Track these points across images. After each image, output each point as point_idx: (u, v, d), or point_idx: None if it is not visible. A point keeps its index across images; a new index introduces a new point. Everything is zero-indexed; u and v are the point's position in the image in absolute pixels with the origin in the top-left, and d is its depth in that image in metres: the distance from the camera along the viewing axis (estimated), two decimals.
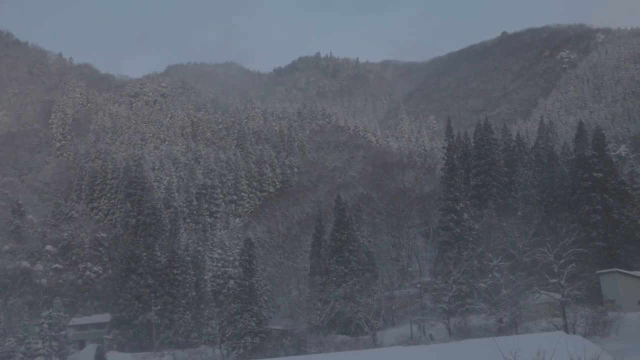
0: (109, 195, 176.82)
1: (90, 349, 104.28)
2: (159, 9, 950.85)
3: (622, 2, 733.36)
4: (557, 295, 72.73)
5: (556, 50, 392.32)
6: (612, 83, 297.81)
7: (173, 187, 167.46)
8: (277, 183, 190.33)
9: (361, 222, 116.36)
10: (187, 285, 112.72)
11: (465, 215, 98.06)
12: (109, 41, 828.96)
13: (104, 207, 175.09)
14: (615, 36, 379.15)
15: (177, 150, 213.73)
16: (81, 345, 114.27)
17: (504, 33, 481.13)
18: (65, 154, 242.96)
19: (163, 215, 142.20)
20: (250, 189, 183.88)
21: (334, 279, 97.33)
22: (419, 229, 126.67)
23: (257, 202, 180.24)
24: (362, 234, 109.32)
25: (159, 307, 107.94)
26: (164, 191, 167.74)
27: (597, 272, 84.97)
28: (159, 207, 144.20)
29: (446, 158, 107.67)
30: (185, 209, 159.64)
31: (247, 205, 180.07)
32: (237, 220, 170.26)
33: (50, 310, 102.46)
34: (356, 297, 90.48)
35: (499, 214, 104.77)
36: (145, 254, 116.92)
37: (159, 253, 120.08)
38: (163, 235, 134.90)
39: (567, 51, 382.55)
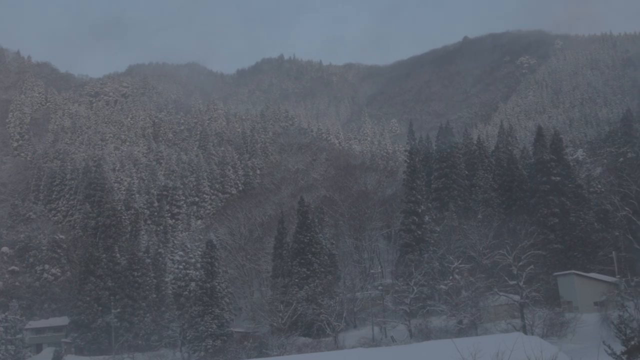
0: (67, 196, 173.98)
1: (48, 353, 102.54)
2: (119, 7, 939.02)
3: (579, 10, 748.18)
4: (516, 297, 73.86)
5: (516, 55, 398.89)
6: (570, 88, 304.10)
7: (134, 189, 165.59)
8: (240, 185, 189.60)
9: (324, 225, 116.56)
10: (148, 287, 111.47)
11: (427, 218, 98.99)
12: (67, 39, 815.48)
13: (63, 208, 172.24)
14: (573, 43, 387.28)
15: (138, 151, 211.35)
16: (38, 349, 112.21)
17: (465, 38, 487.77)
18: (22, 154, 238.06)
19: (123, 217, 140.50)
20: (212, 191, 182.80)
21: (296, 281, 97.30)
22: (381, 232, 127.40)
23: (219, 204, 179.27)
24: (324, 236, 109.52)
25: (118, 310, 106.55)
26: (124, 192, 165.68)
27: (555, 274, 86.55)
28: (119, 208, 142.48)
29: (408, 161, 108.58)
30: (146, 210, 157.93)
31: (209, 207, 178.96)
32: (199, 222, 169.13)
33: (7, 314, 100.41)
34: (318, 299, 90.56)
35: (459, 216, 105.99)
36: (104, 256, 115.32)
37: (118, 255, 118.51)
38: (123, 237, 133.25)
39: (527, 57, 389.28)
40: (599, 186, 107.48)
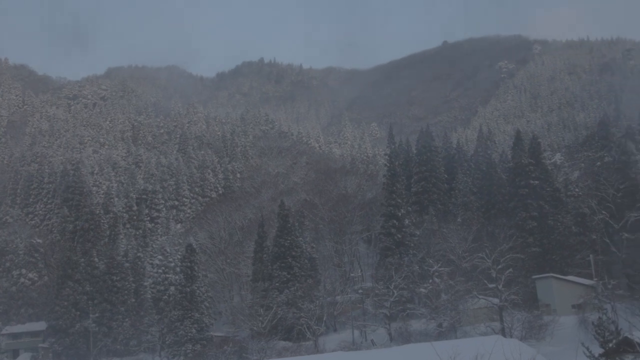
0: (45, 200, 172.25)
1: (25, 358, 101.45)
2: (98, 9, 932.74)
3: (557, 16, 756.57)
4: (495, 300, 74.30)
5: (495, 60, 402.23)
6: (548, 93, 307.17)
7: (112, 192, 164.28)
8: (220, 188, 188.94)
9: (304, 228, 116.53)
10: (126, 292, 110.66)
11: (407, 222, 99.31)
12: (45, 41, 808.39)
13: (40, 212, 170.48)
14: (551, 48, 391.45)
15: (117, 155, 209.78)
16: (15, 354, 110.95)
17: (444, 42, 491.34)
18: None
19: (102, 221, 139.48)
20: (192, 195, 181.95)
21: (277, 284, 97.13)
22: (361, 235, 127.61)
23: (199, 208, 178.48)
24: (304, 240, 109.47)
25: (96, 315, 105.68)
26: (103, 196, 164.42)
27: (533, 277, 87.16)
28: (97, 212, 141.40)
29: (388, 165, 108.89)
30: (125, 214, 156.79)
31: (188, 210, 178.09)
32: (179, 226, 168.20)
33: None
34: (298, 303, 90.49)
35: (439, 220, 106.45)
36: (82, 260, 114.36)
37: (97, 259, 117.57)
38: (102, 241, 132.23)
39: (506, 61, 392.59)
40: (577, 190, 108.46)
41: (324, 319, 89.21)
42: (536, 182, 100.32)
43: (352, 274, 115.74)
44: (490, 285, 75.00)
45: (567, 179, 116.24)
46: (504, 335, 66.70)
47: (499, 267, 74.88)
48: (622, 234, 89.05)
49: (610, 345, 56.35)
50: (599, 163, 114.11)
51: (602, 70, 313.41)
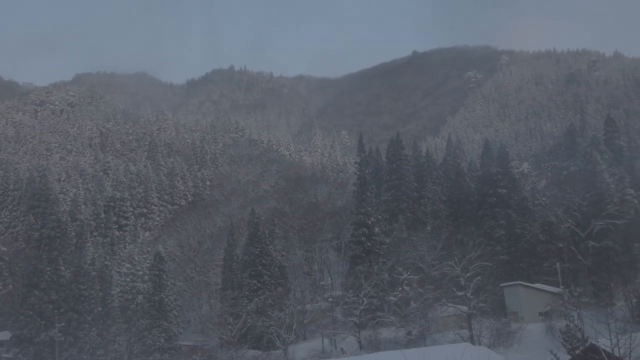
0: (10, 207, 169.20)
1: None
2: (66, 14, 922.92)
3: (524, 27, 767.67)
4: (464, 308, 74.83)
5: (464, 70, 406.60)
6: (516, 103, 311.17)
7: (80, 200, 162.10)
8: (189, 196, 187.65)
9: (274, 236, 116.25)
10: (93, 300, 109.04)
11: (377, 230, 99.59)
12: (11, 46, 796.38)
13: (5, 219, 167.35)
14: (518, 58, 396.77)
15: (85, 162, 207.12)
16: None
17: (414, 52, 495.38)
18: None
19: (69, 229, 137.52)
20: (161, 202, 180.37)
21: (246, 293, 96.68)
22: (331, 243, 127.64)
23: (168, 216, 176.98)
24: (275, 248, 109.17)
25: (62, 324, 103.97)
26: (69, 203, 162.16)
27: (501, 284, 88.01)
28: (64, 220, 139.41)
29: (358, 173, 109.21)
30: (92, 222, 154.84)
31: (157, 218, 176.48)
32: (147, 233, 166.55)
33: None
34: (268, 311, 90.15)
35: (408, 228, 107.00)
36: (48, 268, 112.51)
37: (63, 268, 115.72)
38: (68, 249, 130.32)
39: (474, 71, 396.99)
40: (544, 199, 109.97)
41: (294, 327, 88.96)
42: (504, 190, 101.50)
43: (322, 282, 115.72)
44: (459, 293, 75.55)
45: (534, 188, 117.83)
46: (473, 343, 67.22)
47: (468, 275, 75.50)
48: (587, 242, 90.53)
49: (577, 352, 57.08)
50: (565, 172, 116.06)
51: (568, 81, 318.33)
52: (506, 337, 69.68)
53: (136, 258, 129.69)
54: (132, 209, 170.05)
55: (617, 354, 52.24)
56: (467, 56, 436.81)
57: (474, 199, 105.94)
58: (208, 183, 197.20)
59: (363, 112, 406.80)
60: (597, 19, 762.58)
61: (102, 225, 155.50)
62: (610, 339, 55.91)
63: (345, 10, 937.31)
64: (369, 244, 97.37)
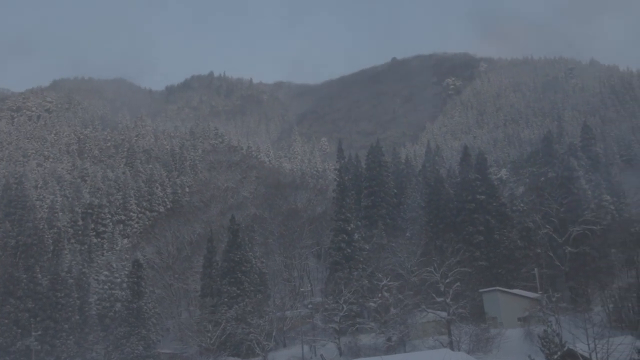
0: None
1: None
2: (43, 20, 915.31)
3: (502, 35, 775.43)
4: (443, 314, 75.08)
5: (442, 77, 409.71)
6: (494, 110, 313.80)
7: (57, 207, 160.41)
8: (168, 203, 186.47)
9: (254, 243, 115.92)
10: (71, 308, 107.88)
11: (356, 236, 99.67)
12: None
13: None
14: (497, 65, 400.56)
15: (62, 168, 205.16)
16: None
17: (393, 59, 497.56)
18: None
19: (45, 236, 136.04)
20: (139, 209, 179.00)
21: (226, 300, 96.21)
22: (310, 250, 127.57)
23: (147, 222, 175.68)
24: (254, 255, 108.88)
25: (39, 333, 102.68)
26: (47, 210, 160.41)
27: (480, 290, 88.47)
28: (41, 227, 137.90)
29: (338, 179, 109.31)
30: (69, 229, 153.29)
31: (136, 225, 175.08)
32: (125, 241, 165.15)
33: None
34: (248, 318, 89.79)
35: (388, 234, 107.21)
36: (25, 276, 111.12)
37: (40, 275, 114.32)
38: (45, 257, 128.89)
39: (453, 78, 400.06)
40: (522, 205, 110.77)
41: (274, 334, 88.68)
42: (483, 197, 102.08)
43: (301, 289, 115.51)
44: (439, 299, 75.80)
45: (513, 194, 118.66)
46: (452, 349, 67.47)
47: (447, 280, 75.77)
48: (565, 248, 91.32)
49: (555, 357, 57.48)
50: (543, 178, 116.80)
51: (545, 88, 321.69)
52: (485, 343, 70.00)
53: (114, 265, 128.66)
54: (110, 216, 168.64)
55: (595, 359, 52.69)
56: (446, 63, 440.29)
57: (453, 205, 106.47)
58: (187, 190, 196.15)
59: (343, 118, 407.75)
60: (573, 27, 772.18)
61: (80, 232, 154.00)
62: (588, 344, 56.36)
63: (324, 18, 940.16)
64: (349, 250, 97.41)
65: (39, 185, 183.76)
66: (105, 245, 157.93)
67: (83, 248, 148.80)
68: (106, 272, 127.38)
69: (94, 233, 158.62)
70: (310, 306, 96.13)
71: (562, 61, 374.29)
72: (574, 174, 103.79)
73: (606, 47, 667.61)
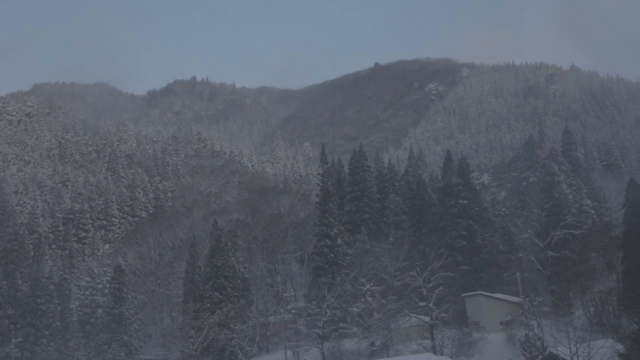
0: None
1: None
2: (23, 23, 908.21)
3: (484, 40, 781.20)
4: (426, 318, 75.31)
5: (425, 82, 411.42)
6: (476, 115, 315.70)
7: (38, 212, 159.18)
8: (150, 208, 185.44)
9: (237, 248, 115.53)
10: (51, 315, 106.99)
11: (339, 241, 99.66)
12: None
13: None
14: (478, 71, 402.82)
15: (43, 173, 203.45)
16: None
17: (376, 64, 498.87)
18: None
19: (26, 242, 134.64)
20: (121, 214, 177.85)
21: (208, 305, 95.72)
22: (293, 255, 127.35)
23: (129, 228, 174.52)
24: (237, 260, 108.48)
25: (19, 339, 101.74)
26: (27, 216, 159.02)
27: (463, 295, 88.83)
28: (21, 232, 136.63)
29: (321, 184, 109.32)
30: (50, 234, 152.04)
31: (117, 230, 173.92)
32: (107, 246, 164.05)
33: None
34: (231, 324, 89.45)
35: (371, 239, 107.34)
36: (5, 282, 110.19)
37: (20, 281, 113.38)
38: (25, 263, 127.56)
39: (435, 83, 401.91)
40: (504, 209, 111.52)
41: (257, 339, 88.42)
42: (465, 201, 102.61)
43: (284, 294, 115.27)
44: (422, 304, 76.00)
45: (495, 199, 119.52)
46: (435, 353, 67.71)
47: (430, 285, 76.02)
48: (546, 252, 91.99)
49: None
50: (524, 183, 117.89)
51: (526, 94, 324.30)
52: (468, 347, 70.29)
53: (96, 271, 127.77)
54: (91, 221, 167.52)
55: None
56: (429, 69, 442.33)
57: (436, 210, 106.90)
58: (169, 195, 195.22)
59: (326, 123, 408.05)
60: (554, 33, 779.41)
61: (61, 237, 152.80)
62: (569, 347, 56.82)
63: (307, 23, 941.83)
64: (332, 255, 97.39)
65: (20, 191, 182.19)
66: (86, 251, 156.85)
67: (64, 254, 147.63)
68: (87, 278, 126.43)
69: (75, 238, 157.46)
70: (293, 311, 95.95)
71: (543, 67, 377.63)
72: (555, 178, 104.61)
73: (586, 53, 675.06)
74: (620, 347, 56.74)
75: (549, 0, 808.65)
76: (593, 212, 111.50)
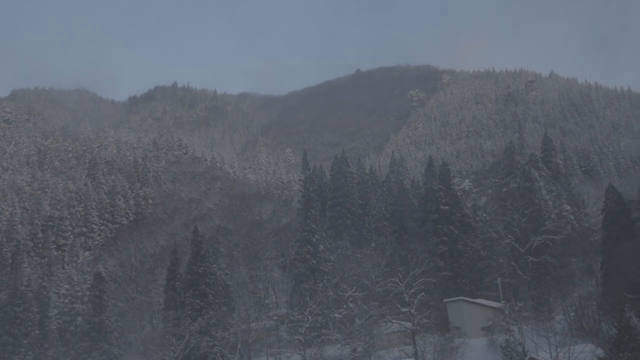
0: None
1: None
2: (0, 28, 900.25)
3: (464, 47, 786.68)
4: (408, 324, 75.42)
5: (406, 88, 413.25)
6: (457, 121, 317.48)
7: (16, 219, 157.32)
8: (131, 215, 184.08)
9: (218, 255, 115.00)
10: (30, 323, 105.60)
11: (321, 247, 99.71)
12: None
13: None
14: (459, 78, 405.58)
15: (22, 180, 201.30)
16: None
17: (358, 71, 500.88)
18: None
19: (4, 249, 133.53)
20: (101, 221, 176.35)
21: (190, 312, 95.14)
22: (275, 261, 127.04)
23: (109, 235, 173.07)
24: (219, 267, 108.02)
25: None
26: (5, 223, 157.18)
27: (444, 300, 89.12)
28: None
29: (303, 190, 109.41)
30: (29, 242, 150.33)
31: (97, 237, 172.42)
32: (87, 253, 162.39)
33: None
34: (212, 331, 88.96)
35: (353, 245, 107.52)
36: None
37: None
38: (3, 270, 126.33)
39: (416, 90, 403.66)
40: (485, 215, 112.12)
41: (238, 347, 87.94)
42: (446, 207, 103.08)
43: (266, 301, 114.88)
44: (403, 310, 76.16)
45: (475, 205, 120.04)
46: (417, 359, 67.75)
47: (412, 291, 76.21)
48: (527, 258, 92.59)
49: None
50: (505, 189, 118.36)
51: (506, 100, 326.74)
52: (449, 353, 70.48)
53: (75, 279, 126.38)
54: (71, 228, 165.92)
55: None
56: (410, 75, 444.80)
57: (417, 216, 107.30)
58: (150, 201, 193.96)
59: (307, 129, 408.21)
60: (533, 40, 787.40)
61: (40, 245, 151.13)
62: (550, 352, 57.14)
63: (289, 29, 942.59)
64: (314, 262, 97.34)
65: None
66: (66, 258, 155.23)
67: (43, 261, 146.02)
68: (67, 286, 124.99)
69: (55, 246, 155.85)
70: (275, 318, 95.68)
71: (522, 74, 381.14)
72: (535, 184, 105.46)
73: (565, 60, 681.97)
74: (600, 351, 57.16)
75: (529, 7, 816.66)
76: (572, 217, 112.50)
